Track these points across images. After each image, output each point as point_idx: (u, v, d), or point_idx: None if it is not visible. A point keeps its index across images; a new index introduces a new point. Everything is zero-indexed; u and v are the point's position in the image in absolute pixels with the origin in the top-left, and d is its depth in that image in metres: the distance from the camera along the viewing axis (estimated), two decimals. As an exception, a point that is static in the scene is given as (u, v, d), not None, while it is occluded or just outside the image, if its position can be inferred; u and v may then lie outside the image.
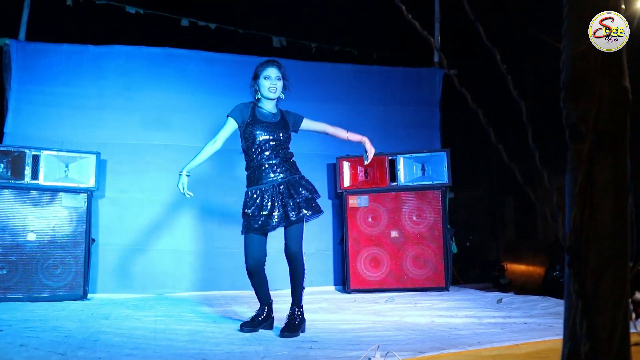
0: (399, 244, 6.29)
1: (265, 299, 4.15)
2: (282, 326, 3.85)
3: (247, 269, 4.05)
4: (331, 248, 6.79)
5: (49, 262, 5.57)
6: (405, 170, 6.34)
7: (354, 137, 4.35)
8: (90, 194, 5.79)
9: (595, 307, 1.47)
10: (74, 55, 6.43)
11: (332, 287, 6.66)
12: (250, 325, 3.97)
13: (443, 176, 6.27)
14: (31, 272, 5.49)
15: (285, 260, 4.04)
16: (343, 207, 6.46)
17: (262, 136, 3.99)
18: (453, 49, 7.18)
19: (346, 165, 6.48)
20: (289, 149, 4.16)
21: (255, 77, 4.10)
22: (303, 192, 3.99)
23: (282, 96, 4.16)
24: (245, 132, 4.02)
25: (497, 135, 1.56)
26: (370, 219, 6.37)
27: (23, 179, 5.56)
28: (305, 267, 4.08)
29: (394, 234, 6.31)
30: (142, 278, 6.19)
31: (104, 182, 6.17)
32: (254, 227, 3.98)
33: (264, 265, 4.10)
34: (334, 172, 6.67)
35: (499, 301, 5.24)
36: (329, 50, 8.06)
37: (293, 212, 3.92)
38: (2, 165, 5.51)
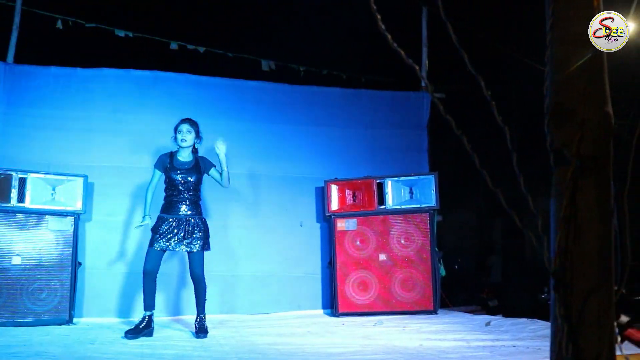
0: (387, 267, 6.28)
1: (152, 306, 4.94)
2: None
3: (145, 273, 4.94)
4: (319, 271, 6.77)
5: (34, 285, 5.50)
6: (394, 194, 6.35)
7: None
8: (77, 217, 5.75)
9: (581, 331, 1.47)
10: (62, 78, 6.42)
11: (321, 311, 6.62)
12: (133, 333, 4.70)
13: (431, 199, 6.28)
14: (16, 296, 5.42)
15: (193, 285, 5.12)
16: (331, 230, 6.46)
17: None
18: (441, 72, 7.25)
19: (334, 189, 6.49)
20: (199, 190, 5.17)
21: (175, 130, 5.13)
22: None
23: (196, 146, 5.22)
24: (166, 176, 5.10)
25: (484, 159, 1.58)
26: (358, 242, 6.36)
27: (9, 201, 5.51)
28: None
29: (382, 257, 6.31)
30: (129, 302, 6.12)
31: (91, 205, 6.13)
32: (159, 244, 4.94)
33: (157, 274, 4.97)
34: (322, 196, 6.67)
35: (488, 324, 5.24)
36: (317, 73, 8.12)
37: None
38: (-12, 188, 5.47)
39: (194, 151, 5.22)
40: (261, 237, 6.64)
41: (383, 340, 4.51)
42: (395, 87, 7.53)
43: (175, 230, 4.93)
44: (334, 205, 6.48)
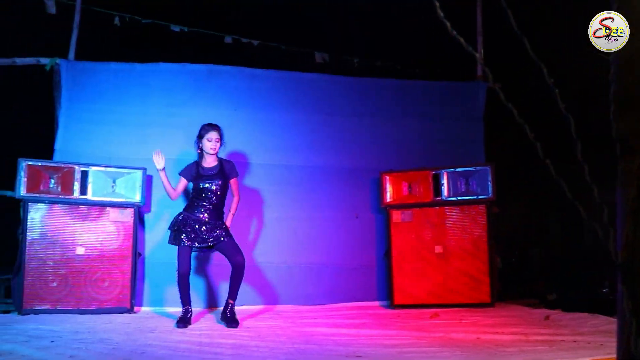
0: (443, 259, 6.23)
1: (189, 302, 5.10)
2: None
3: (180, 275, 5.04)
4: (375, 263, 6.75)
5: (97, 275, 5.69)
6: (450, 185, 6.28)
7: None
8: (136, 208, 5.90)
9: (650, 326, 1.43)
10: (120, 74, 6.58)
11: (376, 303, 6.61)
12: (184, 322, 4.90)
13: (487, 190, 6.18)
14: (80, 285, 5.62)
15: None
16: (387, 222, 6.43)
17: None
18: (497, 62, 7.11)
19: (390, 180, 6.45)
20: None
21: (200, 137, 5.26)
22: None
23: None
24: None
25: (544, 149, 1.54)
26: (414, 234, 6.32)
27: (72, 194, 5.69)
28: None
29: (438, 249, 6.25)
30: (186, 292, 6.24)
31: (149, 196, 6.28)
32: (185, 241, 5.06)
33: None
34: (377, 187, 6.64)
35: (547, 318, 5.14)
36: (371, 65, 8.08)
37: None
38: (52, 181, 5.66)
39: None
40: (316, 228, 6.67)
41: (439, 332, 4.47)
42: (449, 77, 7.43)
43: (197, 227, 5.06)
44: (390, 196, 6.45)
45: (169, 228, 5.20)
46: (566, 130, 1.49)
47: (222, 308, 5.28)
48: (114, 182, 5.85)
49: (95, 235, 5.75)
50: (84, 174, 5.76)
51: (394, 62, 8.18)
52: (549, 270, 8.13)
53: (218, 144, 5.23)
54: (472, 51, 1.53)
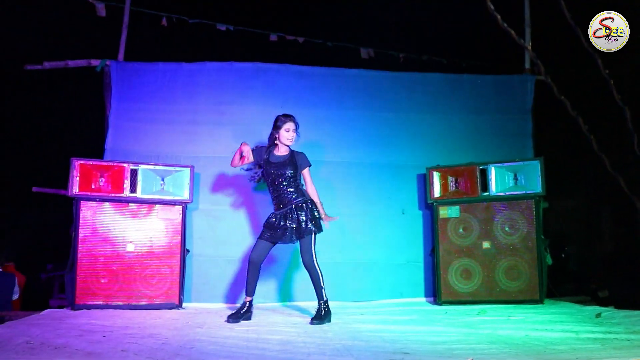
0: (491, 255, 6.14)
1: (252, 292, 5.10)
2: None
3: (250, 261, 5.05)
4: (422, 259, 6.70)
5: (146, 271, 5.81)
6: (497, 180, 6.18)
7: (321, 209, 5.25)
8: (184, 206, 5.99)
9: None
10: (168, 73, 6.68)
11: (423, 299, 6.56)
12: (234, 317, 4.94)
13: (536, 185, 6.06)
14: (130, 281, 5.75)
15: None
16: (434, 218, 6.37)
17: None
18: (545, 54, 6.97)
19: (436, 176, 6.40)
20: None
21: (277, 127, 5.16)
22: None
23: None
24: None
25: (598, 142, 1.51)
26: (461, 230, 6.25)
27: (122, 192, 5.82)
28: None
29: (486, 244, 6.17)
30: (234, 288, 6.32)
31: (197, 194, 6.36)
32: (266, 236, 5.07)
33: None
34: (424, 183, 6.59)
35: (598, 315, 5.02)
36: (417, 59, 8.02)
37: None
38: (102, 179, 5.79)
39: None
40: (363, 224, 6.65)
41: (487, 329, 4.40)
42: (496, 71, 7.32)
43: (282, 223, 4.99)
44: (436, 192, 6.39)
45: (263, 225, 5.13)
46: (622, 122, 1.45)
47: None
48: (162, 180, 5.95)
49: (144, 233, 5.86)
50: (134, 173, 5.87)
51: (440, 56, 8.10)
52: (600, 266, 7.96)
53: (295, 135, 5.16)
54: (523, 44, 1.50)
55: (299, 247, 5.09)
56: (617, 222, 8.62)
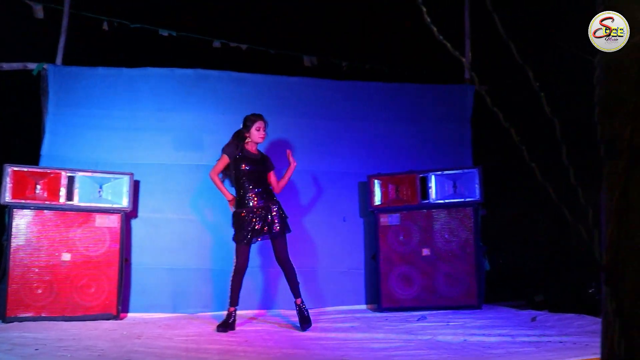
0: (431, 262, 6.24)
1: (237, 302, 5.12)
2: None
3: (236, 270, 5.08)
4: (363, 266, 6.75)
5: (83, 281, 5.65)
6: (437, 188, 6.30)
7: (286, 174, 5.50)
8: (123, 214, 5.87)
9: (634, 326, 1.44)
10: (108, 78, 6.54)
11: (364, 306, 6.61)
12: (224, 327, 4.94)
13: (475, 193, 6.21)
14: (66, 292, 5.58)
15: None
16: (374, 225, 6.43)
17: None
18: (484, 65, 7.14)
19: (377, 184, 6.47)
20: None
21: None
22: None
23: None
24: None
25: (530, 152, 1.55)
26: (401, 237, 6.33)
27: (58, 200, 5.66)
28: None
29: (425, 251, 6.26)
30: (174, 297, 6.22)
31: (137, 202, 6.24)
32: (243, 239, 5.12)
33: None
34: (365, 190, 6.65)
35: (533, 319, 5.16)
36: (360, 68, 8.09)
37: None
38: (38, 187, 5.62)
39: None
40: (304, 232, 6.66)
41: (426, 335, 4.47)
42: (438, 80, 7.45)
43: (257, 219, 5.09)
44: (377, 200, 6.46)
45: (233, 226, 5.21)
46: (552, 133, 1.50)
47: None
48: (100, 187, 5.82)
49: (81, 242, 5.71)
50: (71, 180, 5.72)
51: (382, 66, 8.19)
52: (536, 271, 8.16)
53: (265, 133, 5.32)
54: (459, 55, 1.53)
55: (273, 246, 5.21)
56: (551, 229, 8.88)
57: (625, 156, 1.46)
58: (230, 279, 5.13)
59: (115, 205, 5.83)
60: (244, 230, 5.05)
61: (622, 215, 1.45)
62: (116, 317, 5.68)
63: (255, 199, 5.13)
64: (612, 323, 1.44)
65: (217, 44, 7.57)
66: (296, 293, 5.12)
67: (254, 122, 5.27)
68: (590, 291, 6.32)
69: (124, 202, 5.85)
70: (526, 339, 4.15)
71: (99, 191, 5.81)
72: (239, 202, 5.18)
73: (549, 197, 1.55)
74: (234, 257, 5.13)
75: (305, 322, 5.00)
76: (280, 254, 5.13)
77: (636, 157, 1.46)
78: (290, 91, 6.94)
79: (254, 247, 6.27)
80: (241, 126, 5.35)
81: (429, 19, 1.54)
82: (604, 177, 1.52)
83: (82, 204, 5.73)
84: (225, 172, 5.35)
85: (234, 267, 5.10)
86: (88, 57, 6.82)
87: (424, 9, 1.54)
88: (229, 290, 5.13)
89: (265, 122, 5.34)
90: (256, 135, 5.27)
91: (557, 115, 1.49)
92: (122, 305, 5.85)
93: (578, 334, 4.28)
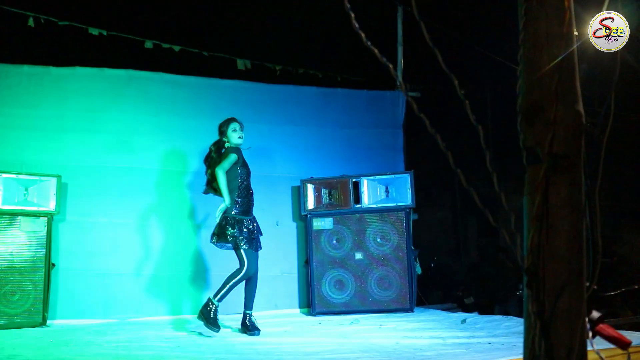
0: (364, 266, 6.30)
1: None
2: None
3: (251, 276, 5.05)
4: (296, 270, 6.76)
5: (6, 288, 5.42)
6: (369, 192, 6.37)
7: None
8: (50, 217, 5.69)
9: (553, 327, 1.49)
10: (34, 77, 6.33)
11: (297, 310, 6.62)
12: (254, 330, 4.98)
13: (407, 198, 6.31)
14: (-12, 299, 5.35)
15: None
16: (307, 230, 6.45)
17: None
18: (417, 70, 7.28)
19: (310, 188, 6.49)
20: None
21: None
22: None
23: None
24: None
25: (459, 157, 1.59)
26: (334, 241, 6.37)
27: (-19, 202, 5.44)
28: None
29: (358, 255, 6.32)
30: (104, 303, 6.07)
31: (64, 205, 6.06)
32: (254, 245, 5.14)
33: None
34: (298, 195, 6.67)
35: (463, 321, 5.28)
36: (293, 72, 8.11)
37: None
38: (-41, 189, 5.39)
39: None
40: (237, 236, 6.61)
41: (360, 338, 4.52)
42: (371, 86, 7.55)
43: (255, 229, 5.22)
44: (310, 204, 6.48)
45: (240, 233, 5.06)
46: (477, 140, 1.54)
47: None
48: (26, 190, 5.63)
49: (5, 246, 5.48)
50: (-6, 182, 5.51)
51: (316, 70, 8.24)
52: (466, 274, 8.37)
53: (242, 133, 5.24)
54: (386, 62, 1.56)
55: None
56: (480, 233, 9.13)
57: (545, 163, 1.52)
58: (235, 283, 5.01)
59: (41, 209, 5.64)
60: (255, 238, 5.15)
61: (542, 220, 1.50)
62: (43, 325, 5.48)
63: (249, 210, 5.19)
64: (533, 324, 1.49)
65: (149, 44, 7.44)
66: (251, 306, 5.13)
67: (229, 124, 5.22)
68: (517, 293, 6.53)
69: (51, 205, 5.67)
70: (456, 340, 4.25)
71: (25, 194, 5.61)
72: (242, 208, 5.12)
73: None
74: (245, 263, 5.00)
75: (255, 329, 5.01)
76: (256, 265, 5.12)
77: (556, 164, 1.52)
78: (223, 94, 6.89)
79: (197, 253, 6.25)
80: (218, 135, 5.30)
81: (357, 25, 1.56)
82: (525, 183, 1.58)
83: (6, 207, 5.52)
84: (211, 184, 5.24)
85: (243, 273, 4.99)
86: (12, 54, 6.57)
87: (352, 15, 1.56)
88: (245, 296, 5.14)
89: (240, 124, 5.28)
90: (234, 137, 5.18)
91: (482, 122, 1.54)
92: (50, 312, 5.66)
93: (506, 335, 4.41)
